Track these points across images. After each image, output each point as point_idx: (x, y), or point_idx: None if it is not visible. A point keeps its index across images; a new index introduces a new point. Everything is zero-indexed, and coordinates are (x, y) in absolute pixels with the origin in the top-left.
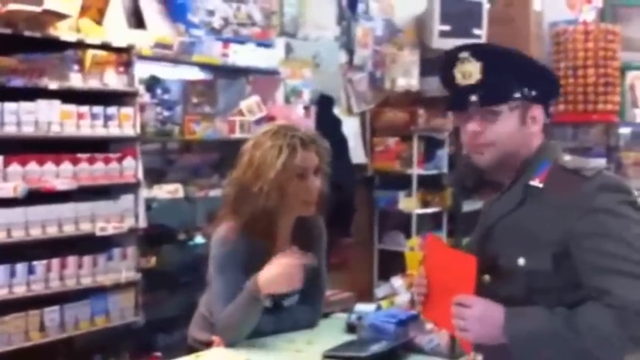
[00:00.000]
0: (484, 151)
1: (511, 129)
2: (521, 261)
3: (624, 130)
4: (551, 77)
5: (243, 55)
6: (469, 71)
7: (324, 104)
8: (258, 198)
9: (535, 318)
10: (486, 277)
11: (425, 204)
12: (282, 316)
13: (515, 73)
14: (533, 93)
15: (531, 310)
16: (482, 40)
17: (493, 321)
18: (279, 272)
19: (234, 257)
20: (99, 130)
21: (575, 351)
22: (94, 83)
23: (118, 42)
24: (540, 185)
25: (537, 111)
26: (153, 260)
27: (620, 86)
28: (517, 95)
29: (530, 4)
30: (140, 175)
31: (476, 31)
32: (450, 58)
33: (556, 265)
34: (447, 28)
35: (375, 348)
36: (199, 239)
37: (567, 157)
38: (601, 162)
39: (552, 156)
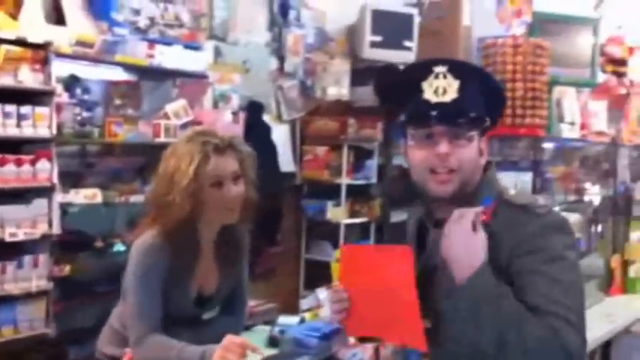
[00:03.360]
0: (447, 179)
1: (474, 156)
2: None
3: (550, 145)
4: (504, 106)
5: (170, 57)
6: (443, 88)
7: (253, 110)
8: (173, 208)
9: (498, 285)
10: (426, 322)
11: (353, 214)
12: (203, 330)
13: (485, 98)
14: (489, 122)
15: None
16: (413, 52)
17: (470, 263)
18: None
19: (156, 270)
20: (11, 130)
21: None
22: (7, 80)
23: (34, 38)
24: (488, 221)
25: (484, 143)
26: (67, 268)
27: (547, 101)
28: (486, 122)
29: (460, 19)
30: (55, 178)
31: (407, 43)
32: (421, 71)
33: None
34: (378, 38)
35: None
36: (119, 247)
37: (512, 192)
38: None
39: (495, 189)
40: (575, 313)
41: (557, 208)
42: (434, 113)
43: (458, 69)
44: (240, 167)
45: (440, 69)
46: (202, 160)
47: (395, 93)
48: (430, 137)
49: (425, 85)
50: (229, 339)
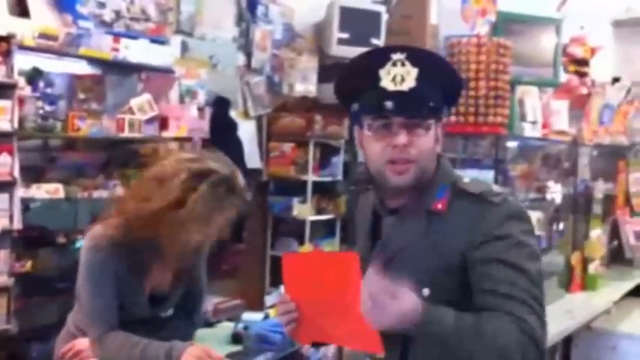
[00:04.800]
0: (405, 169)
1: (432, 145)
2: (425, 291)
3: (512, 144)
4: (461, 94)
5: (136, 51)
6: (402, 76)
7: (219, 106)
8: (159, 234)
9: (446, 318)
10: None
11: (319, 211)
12: (157, 329)
13: (443, 87)
14: (446, 110)
15: (442, 311)
16: None
17: (410, 319)
18: None
19: (108, 266)
20: None
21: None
22: None
23: None
24: (444, 210)
25: (440, 129)
26: (28, 264)
27: (510, 100)
28: (444, 110)
29: (427, 18)
30: (16, 172)
31: (374, 41)
32: (378, 58)
33: (463, 292)
34: (345, 36)
35: None
36: (81, 243)
37: (466, 180)
38: (500, 187)
39: (450, 178)
40: (537, 300)
41: None
42: (392, 104)
43: (416, 56)
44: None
45: (398, 56)
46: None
47: (351, 80)
48: (387, 127)
49: (382, 72)
50: (204, 351)
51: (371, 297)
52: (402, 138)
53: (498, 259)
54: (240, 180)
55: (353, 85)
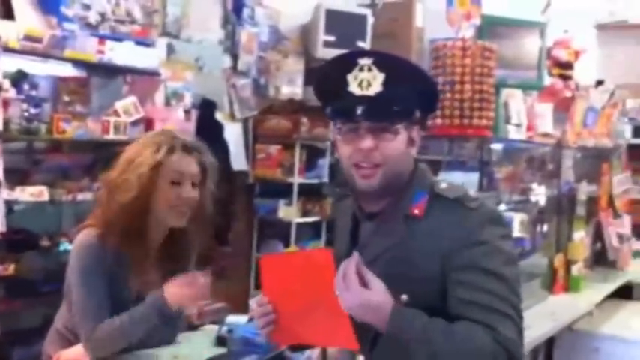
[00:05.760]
0: (371, 173)
1: (402, 149)
2: (404, 297)
3: (497, 146)
4: (437, 96)
5: (121, 54)
6: (368, 81)
7: (206, 108)
8: (122, 189)
9: (416, 321)
10: None
11: (305, 213)
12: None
13: (412, 91)
14: (419, 114)
15: (414, 313)
16: None
17: (379, 315)
18: (187, 288)
19: (98, 268)
20: None
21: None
22: None
23: None
24: (420, 216)
25: (416, 132)
26: (12, 267)
27: (495, 103)
28: (415, 114)
29: (413, 21)
30: (1, 175)
31: (360, 44)
32: (346, 63)
33: (443, 299)
34: (331, 38)
35: None
36: (65, 246)
37: (443, 185)
38: (479, 194)
39: (427, 183)
40: (515, 307)
41: (503, 207)
42: (358, 109)
43: (383, 61)
44: (201, 174)
45: (365, 61)
46: (169, 152)
47: (322, 84)
48: (355, 131)
49: (350, 77)
50: (181, 281)
51: (343, 276)
52: (367, 142)
53: (477, 266)
54: (187, 135)
55: (325, 89)
